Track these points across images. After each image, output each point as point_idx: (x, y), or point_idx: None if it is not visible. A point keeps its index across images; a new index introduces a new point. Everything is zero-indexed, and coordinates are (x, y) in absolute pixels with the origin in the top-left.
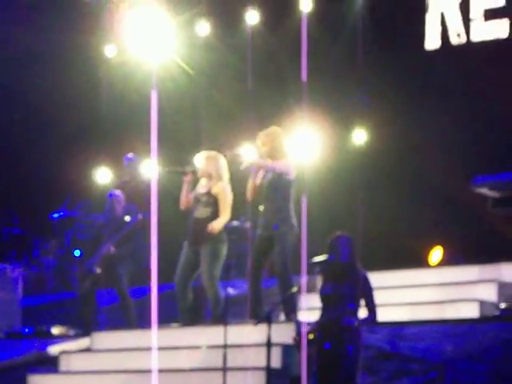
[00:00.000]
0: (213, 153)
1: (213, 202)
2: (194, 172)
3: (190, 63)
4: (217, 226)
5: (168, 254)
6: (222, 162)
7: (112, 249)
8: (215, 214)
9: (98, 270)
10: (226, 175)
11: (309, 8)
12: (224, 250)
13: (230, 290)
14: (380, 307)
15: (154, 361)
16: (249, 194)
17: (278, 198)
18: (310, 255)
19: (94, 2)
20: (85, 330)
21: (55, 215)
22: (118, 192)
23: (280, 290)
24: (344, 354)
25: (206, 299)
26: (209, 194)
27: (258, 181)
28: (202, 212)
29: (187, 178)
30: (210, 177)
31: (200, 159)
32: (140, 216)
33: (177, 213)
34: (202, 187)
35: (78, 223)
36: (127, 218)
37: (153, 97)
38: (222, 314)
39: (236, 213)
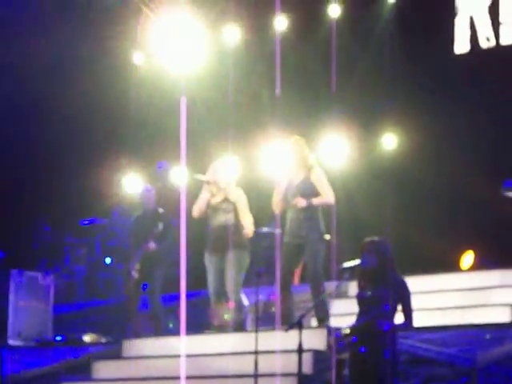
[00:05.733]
0: (222, 160)
1: (232, 208)
2: (217, 183)
3: (219, 71)
4: (250, 230)
5: (196, 261)
6: (232, 169)
7: (152, 244)
8: (237, 220)
9: (136, 275)
10: (234, 180)
11: (337, 14)
12: (248, 257)
13: (261, 297)
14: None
15: (183, 368)
16: (276, 208)
17: (309, 206)
18: (339, 261)
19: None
20: (121, 336)
21: (85, 222)
22: (148, 186)
23: (312, 296)
24: (380, 358)
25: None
26: (227, 200)
27: (282, 192)
28: (223, 218)
29: (208, 187)
30: (222, 184)
31: (212, 167)
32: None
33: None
34: (215, 196)
35: (108, 230)
36: (161, 210)
37: (182, 104)
38: (242, 323)
39: (266, 219)
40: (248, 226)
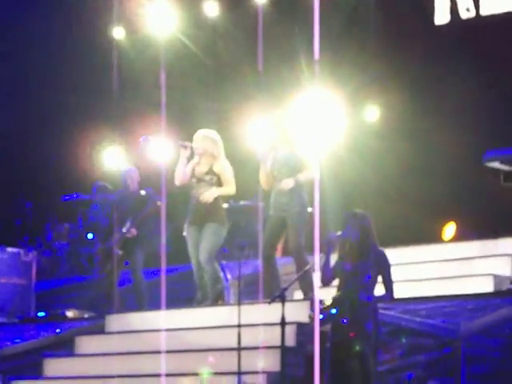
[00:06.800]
0: (210, 131)
1: (216, 180)
2: (192, 148)
3: (199, 44)
4: (213, 193)
5: (181, 235)
6: (219, 140)
7: (133, 231)
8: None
9: (120, 252)
10: (223, 153)
11: None
12: (225, 232)
13: (244, 270)
14: (394, 283)
15: (163, 342)
16: (264, 184)
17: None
18: (322, 234)
19: None
20: (104, 311)
21: (67, 198)
22: (132, 168)
23: (295, 269)
24: (361, 330)
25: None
26: (211, 172)
27: (268, 166)
28: (204, 191)
29: (185, 153)
30: (208, 155)
31: (198, 138)
32: (159, 202)
33: (187, 195)
34: (199, 166)
35: (90, 206)
36: (143, 192)
37: (162, 78)
38: (221, 294)
39: (248, 193)
40: (218, 189)
